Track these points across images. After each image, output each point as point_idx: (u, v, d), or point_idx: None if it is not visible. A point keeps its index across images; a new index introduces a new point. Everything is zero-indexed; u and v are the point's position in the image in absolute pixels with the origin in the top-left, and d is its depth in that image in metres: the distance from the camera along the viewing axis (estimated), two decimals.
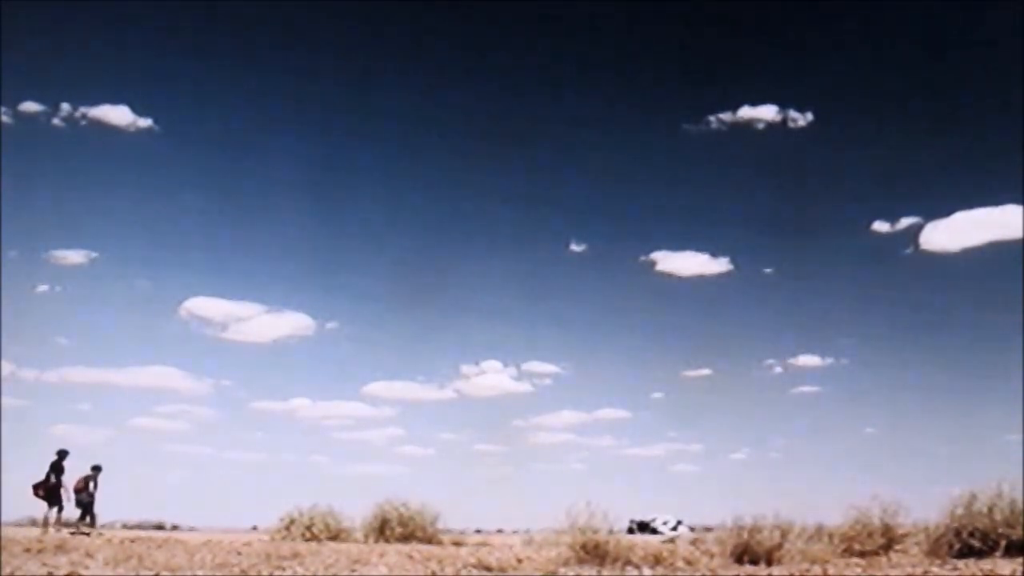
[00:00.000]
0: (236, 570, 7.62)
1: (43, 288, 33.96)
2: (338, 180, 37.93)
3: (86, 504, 17.04)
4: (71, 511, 17.15)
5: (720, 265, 34.45)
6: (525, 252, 37.45)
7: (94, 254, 33.97)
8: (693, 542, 10.32)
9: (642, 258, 35.00)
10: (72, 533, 15.00)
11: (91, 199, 35.87)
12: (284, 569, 7.68)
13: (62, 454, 17.18)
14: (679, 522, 35.42)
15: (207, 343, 36.12)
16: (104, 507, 17.47)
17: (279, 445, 38.58)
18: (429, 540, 13.94)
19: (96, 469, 17.33)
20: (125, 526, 32.48)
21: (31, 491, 16.84)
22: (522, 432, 37.30)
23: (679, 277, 34.86)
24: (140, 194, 36.54)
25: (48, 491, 16.79)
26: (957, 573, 7.14)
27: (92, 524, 17.04)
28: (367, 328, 37.79)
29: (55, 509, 16.83)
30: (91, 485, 17.17)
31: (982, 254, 31.12)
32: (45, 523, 16.63)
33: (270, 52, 36.70)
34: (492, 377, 35.80)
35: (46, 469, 17.02)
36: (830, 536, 9.01)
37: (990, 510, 8.51)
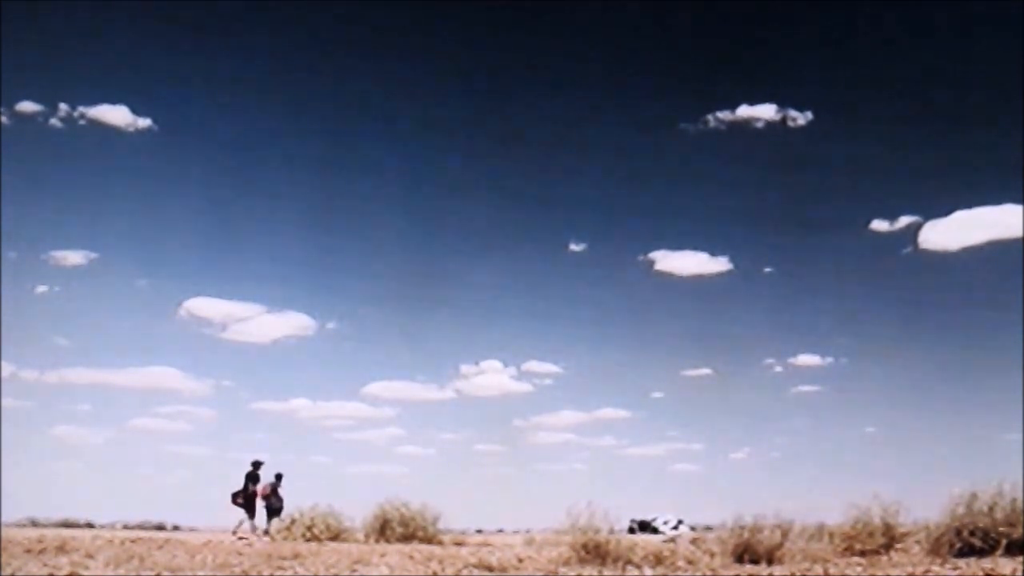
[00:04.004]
0: (237, 570, 7.62)
1: (43, 288, 34.00)
2: (338, 180, 38.01)
3: (277, 509, 17.93)
4: (259, 517, 18.06)
5: (719, 264, 34.48)
6: (525, 252, 37.49)
7: (94, 254, 34.02)
8: (694, 541, 10.32)
9: (641, 257, 35.06)
10: (265, 535, 16.60)
11: (91, 199, 35.97)
12: (285, 569, 7.68)
13: (257, 464, 18.07)
14: (680, 521, 35.44)
15: (207, 343, 36.15)
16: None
17: (279, 446, 38.55)
18: (430, 540, 13.95)
19: (279, 477, 18.35)
20: (126, 526, 32.47)
21: (230, 499, 17.80)
22: (522, 432, 37.35)
23: (678, 276, 34.89)
24: (140, 194, 36.69)
25: (247, 500, 17.76)
26: (958, 572, 7.14)
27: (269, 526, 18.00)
28: (367, 328, 37.85)
29: (248, 517, 17.74)
30: (278, 491, 18.16)
31: (982, 253, 31.14)
32: (238, 529, 17.48)
33: (270, 52, 36.76)
34: (492, 377, 35.80)
35: (242, 480, 17.87)
36: (831, 535, 9.01)
37: (991, 509, 8.50)
